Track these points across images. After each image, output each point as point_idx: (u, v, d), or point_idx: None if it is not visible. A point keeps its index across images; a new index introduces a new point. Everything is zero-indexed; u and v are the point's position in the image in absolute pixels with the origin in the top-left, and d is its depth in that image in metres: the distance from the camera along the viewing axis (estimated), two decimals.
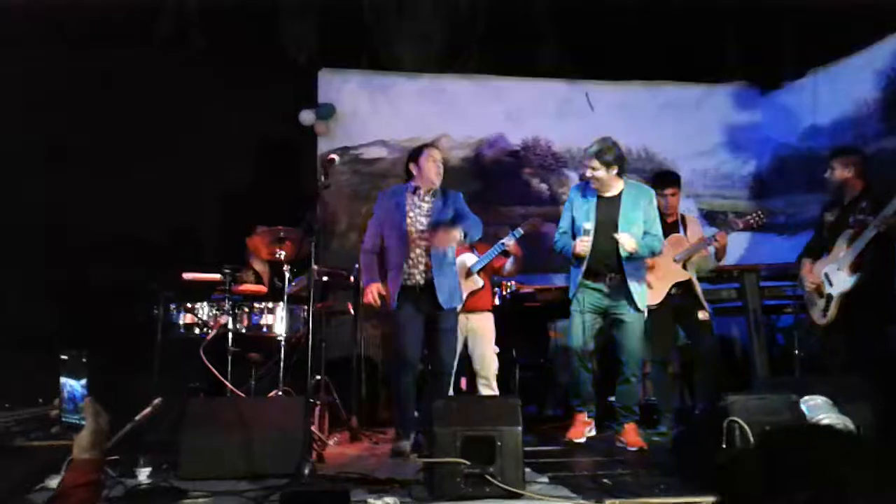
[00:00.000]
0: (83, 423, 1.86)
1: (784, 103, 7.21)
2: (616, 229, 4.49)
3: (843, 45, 6.32)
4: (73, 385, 1.90)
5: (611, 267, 4.53)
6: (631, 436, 4.48)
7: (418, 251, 4.37)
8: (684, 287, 5.06)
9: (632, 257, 4.48)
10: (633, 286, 4.51)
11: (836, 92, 6.51)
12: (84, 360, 1.92)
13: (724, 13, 6.16)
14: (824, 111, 6.65)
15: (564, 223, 4.74)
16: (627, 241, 4.43)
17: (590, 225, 4.48)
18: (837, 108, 6.47)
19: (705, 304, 5.09)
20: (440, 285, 4.33)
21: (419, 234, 4.37)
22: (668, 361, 5.16)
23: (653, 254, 4.67)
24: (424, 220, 4.41)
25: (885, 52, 6.01)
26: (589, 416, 4.65)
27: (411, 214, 4.41)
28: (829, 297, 4.41)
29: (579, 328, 4.57)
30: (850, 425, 3.20)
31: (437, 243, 4.33)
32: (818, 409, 3.24)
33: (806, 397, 3.29)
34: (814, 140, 6.71)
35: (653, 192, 4.71)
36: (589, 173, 4.52)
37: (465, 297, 4.63)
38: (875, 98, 6.06)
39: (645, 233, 4.54)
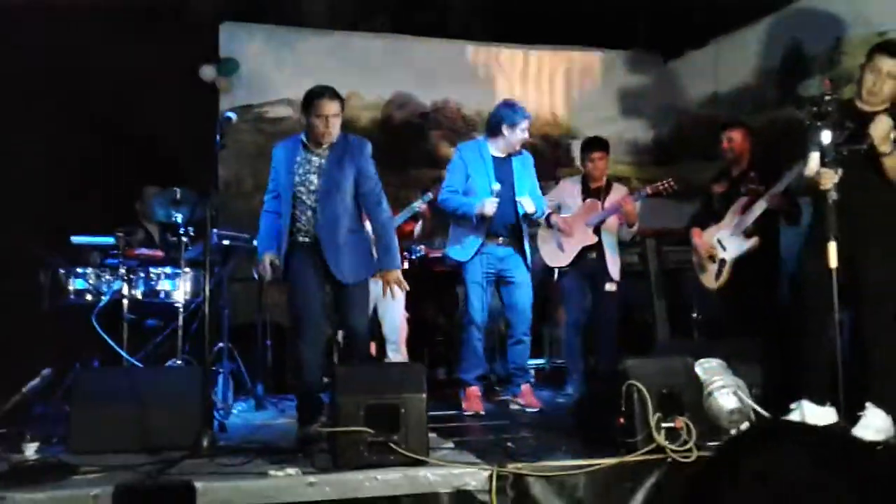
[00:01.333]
0: None
1: (686, 71, 7.36)
2: (512, 190, 4.57)
3: (744, 13, 6.45)
4: None
5: (508, 229, 4.58)
6: (528, 397, 4.56)
7: (309, 213, 3.86)
8: (599, 253, 5.14)
9: (526, 219, 4.62)
10: (527, 247, 4.63)
11: (737, 60, 6.66)
12: None
13: None
14: (725, 79, 6.81)
15: (456, 182, 4.65)
16: (528, 204, 4.55)
17: (498, 186, 4.47)
18: (738, 77, 6.64)
19: (615, 274, 5.18)
20: (338, 262, 3.81)
21: (308, 193, 3.86)
22: (579, 323, 5.24)
23: (542, 215, 4.81)
24: (314, 179, 3.86)
25: (785, 20, 6.15)
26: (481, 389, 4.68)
27: (300, 171, 3.87)
28: (723, 262, 4.59)
29: (479, 300, 4.59)
30: (743, 387, 3.34)
31: None
32: (713, 371, 3.36)
33: (701, 360, 3.40)
34: (713, 108, 6.89)
35: (531, 157, 4.85)
36: (526, 135, 4.60)
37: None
38: (774, 67, 6.24)
39: (535, 196, 4.70)
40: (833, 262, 3.21)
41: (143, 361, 4.44)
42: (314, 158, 3.91)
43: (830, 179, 3.27)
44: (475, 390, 4.60)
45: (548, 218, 5.03)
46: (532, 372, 4.82)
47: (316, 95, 3.84)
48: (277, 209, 3.96)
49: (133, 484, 2.65)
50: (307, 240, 3.88)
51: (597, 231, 5.14)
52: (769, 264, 4.59)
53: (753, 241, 4.46)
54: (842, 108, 3.40)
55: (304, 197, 3.88)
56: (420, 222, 5.35)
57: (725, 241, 4.59)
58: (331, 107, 3.82)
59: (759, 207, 4.41)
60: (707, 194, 4.94)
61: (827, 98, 3.32)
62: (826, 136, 3.30)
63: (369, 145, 4.00)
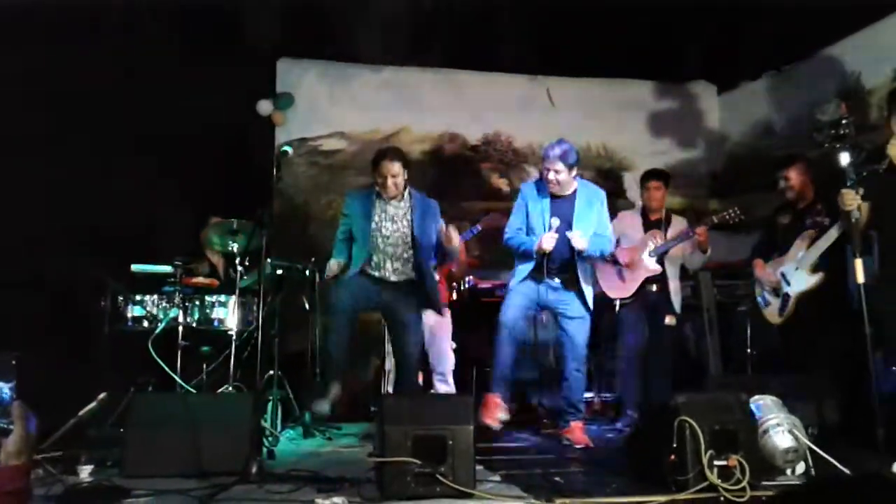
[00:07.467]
0: (11, 427, 1.78)
1: (740, 103, 7.29)
2: (570, 228, 4.47)
3: (800, 46, 6.38)
4: (0, 387, 1.81)
5: (563, 265, 4.52)
6: (577, 433, 4.44)
7: (382, 255, 4.38)
8: (661, 285, 5.08)
9: (583, 257, 4.49)
10: (585, 286, 4.52)
11: (792, 93, 6.59)
12: (14, 362, 1.83)
13: (684, 12, 6.19)
14: (780, 112, 6.73)
15: (518, 221, 4.65)
16: (579, 240, 4.43)
17: (556, 221, 4.43)
18: (794, 109, 6.55)
19: (677, 305, 5.11)
20: (431, 290, 4.47)
21: (384, 238, 4.38)
22: (637, 357, 5.16)
23: (602, 254, 4.70)
24: (390, 226, 4.40)
25: (842, 54, 6.09)
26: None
27: (376, 219, 4.39)
28: (787, 296, 4.47)
29: (515, 303, 4.53)
30: (799, 425, 3.24)
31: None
32: (767, 409, 3.26)
33: (756, 397, 3.32)
34: (769, 140, 6.80)
35: (604, 193, 4.71)
36: (552, 176, 4.46)
37: None
38: (830, 99, 6.13)
39: (595, 234, 4.54)
40: (860, 277, 3.41)
41: (196, 387, 4.52)
42: (389, 209, 4.43)
43: (852, 200, 3.50)
44: (495, 399, 4.47)
45: (612, 252, 4.94)
46: (583, 408, 4.69)
47: (379, 156, 4.42)
48: (348, 240, 4.50)
49: None
50: (375, 273, 4.41)
51: (660, 262, 5.09)
52: (836, 300, 4.35)
53: (819, 276, 4.34)
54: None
55: (378, 241, 4.39)
56: (454, 261, 5.34)
57: (790, 276, 4.47)
58: (391, 168, 4.32)
59: (827, 240, 4.28)
60: (769, 226, 4.84)
61: (844, 121, 3.48)
62: (845, 158, 3.50)
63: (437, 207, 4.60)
